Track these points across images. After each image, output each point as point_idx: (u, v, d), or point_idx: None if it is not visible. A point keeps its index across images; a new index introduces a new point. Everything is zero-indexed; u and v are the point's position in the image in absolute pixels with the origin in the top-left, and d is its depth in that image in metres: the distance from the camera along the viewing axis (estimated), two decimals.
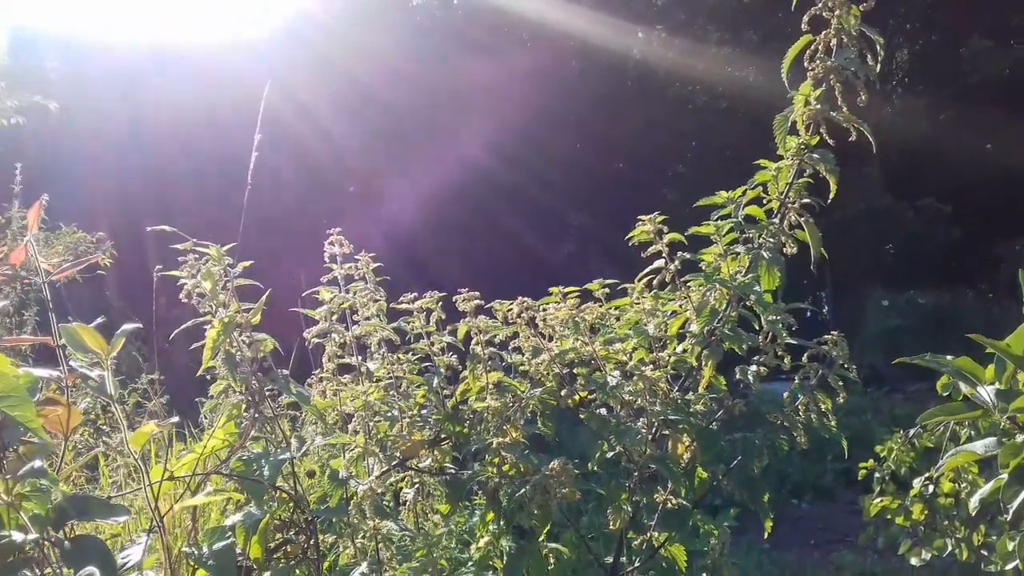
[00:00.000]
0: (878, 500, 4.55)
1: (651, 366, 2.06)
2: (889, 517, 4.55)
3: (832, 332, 2.14)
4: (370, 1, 16.38)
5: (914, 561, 4.50)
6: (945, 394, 3.14)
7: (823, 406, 2.13)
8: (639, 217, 2.31)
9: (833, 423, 2.14)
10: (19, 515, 1.34)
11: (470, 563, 2.78)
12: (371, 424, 2.00)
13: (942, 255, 17.99)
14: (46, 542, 1.44)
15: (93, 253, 8.32)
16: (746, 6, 19.97)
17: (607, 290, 2.56)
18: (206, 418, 3.21)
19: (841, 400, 2.12)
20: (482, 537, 2.54)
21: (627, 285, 2.39)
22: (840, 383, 2.12)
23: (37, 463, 1.42)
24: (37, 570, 1.40)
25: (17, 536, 1.33)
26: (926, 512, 4.37)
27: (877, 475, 4.59)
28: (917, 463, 4.55)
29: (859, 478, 4.76)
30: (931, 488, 4.40)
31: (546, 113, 17.81)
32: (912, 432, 4.63)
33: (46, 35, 18.30)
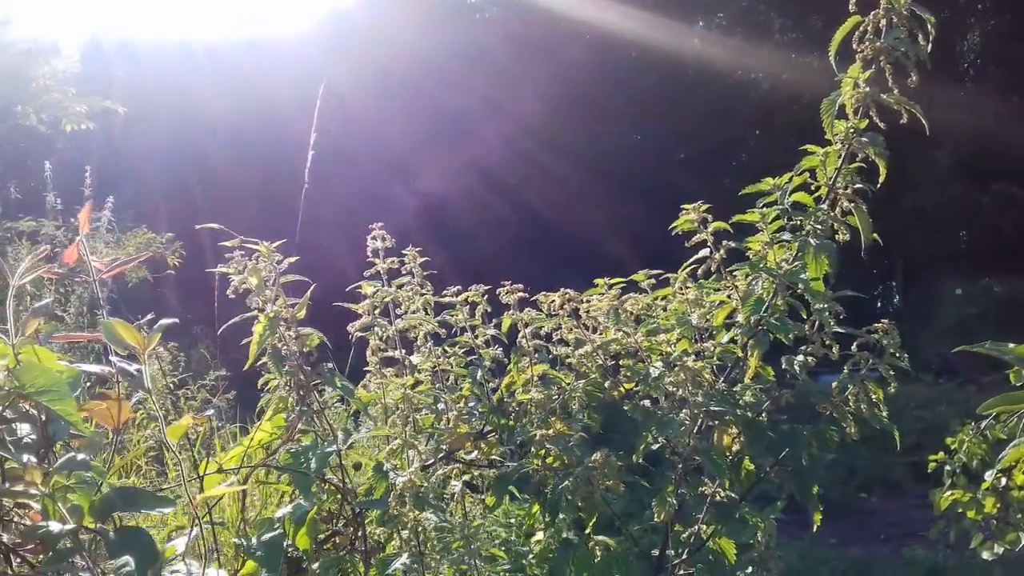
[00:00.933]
0: (949, 493, 4.42)
1: (694, 357, 2.03)
2: (960, 511, 4.42)
3: (882, 320, 2.07)
4: (432, 7, 16.45)
5: (986, 555, 4.38)
6: (1019, 384, 3.03)
7: (874, 396, 2.07)
8: (683, 206, 2.27)
9: (885, 414, 2.08)
10: (58, 506, 1.38)
11: (531, 555, 2.78)
12: (411, 416, 2.00)
13: (1018, 241, 17.36)
14: (89, 534, 1.48)
15: (162, 253, 8.54)
16: None
17: (653, 280, 2.53)
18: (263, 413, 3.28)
19: (892, 390, 2.05)
20: (540, 530, 2.53)
21: (671, 275, 2.35)
22: (891, 372, 2.05)
23: (80, 456, 1.46)
24: (82, 560, 1.44)
25: (55, 527, 1.36)
26: (998, 505, 4.25)
27: (948, 468, 4.46)
28: (989, 455, 4.42)
29: (929, 471, 4.64)
30: (1004, 481, 4.27)
31: (603, 106, 17.69)
32: (984, 424, 4.49)
33: (113, 41, 18.84)
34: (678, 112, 17.49)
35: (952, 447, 4.56)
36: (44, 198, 8.40)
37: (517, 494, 2.69)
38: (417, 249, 2.61)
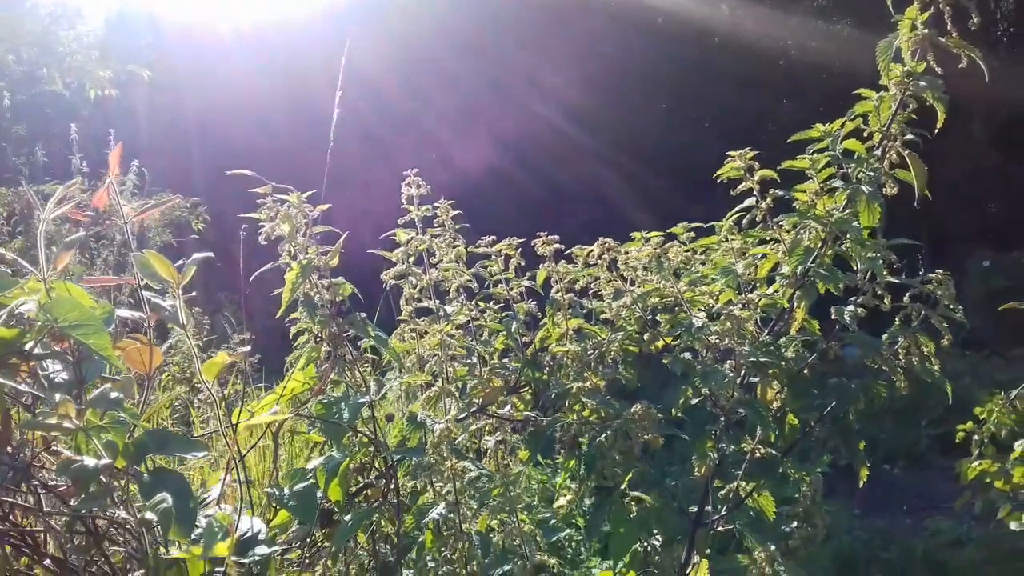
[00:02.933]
0: (976, 464, 4.37)
1: (740, 306, 1.96)
2: (988, 481, 4.38)
3: (936, 271, 1.99)
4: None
5: (1014, 526, 4.33)
6: None
7: (926, 349, 2.00)
8: (728, 153, 2.19)
9: (936, 367, 2.00)
10: (94, 442, 1.34)
11: (552, 520, 2.74)
12: (448, 365, 1.95)
13: None
14: (122, 476, 1.44)
15: (187, 217, 8.53)
16: None
17: (692, 234, 2.46)
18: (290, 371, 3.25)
19: (945, 342, 1.97)
20: (563, 495, 2.49)
21: (714, 223, 2.27)
22: (945, 325, 1.97)
23: (113, 393, 1.42)
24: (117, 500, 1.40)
25: (90, 462, 1.32)
26: None
27: (976, 438, 4.41)
28: (1019, 426, 4.37)
29: (957, 441, 4.58)
30: None
31: (631, 77, 17.46)
32: (1014, 394, 4.43)
33: (140, 15, 18.82)
34: (707, 82, 17.23)
35: (981, 417, 4.50)
36: (70, 162, 8.40)
37: (543, 459, 2.65)
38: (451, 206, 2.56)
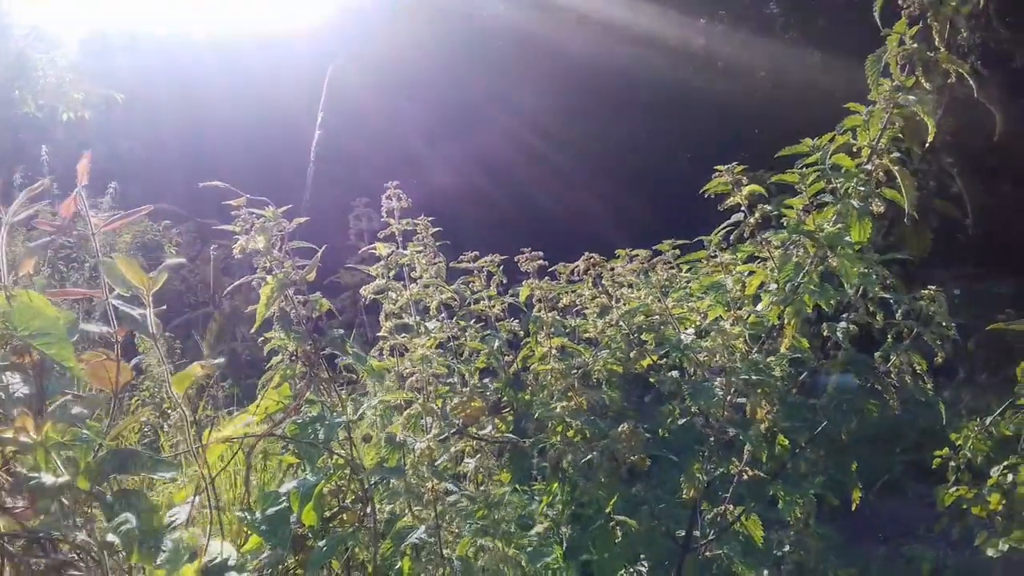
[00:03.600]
0: (953, 490, 4.34)
1: (729, 323, 1.91)
2: (965, 507, 4.36)
3: (928, 287, 1.95)
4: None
5: (991, 553, 4.29)
6: None
7: (918, 367, 1.95)
8: (715, 168, 2.15)
9: (930, 386, 1.96)
10: (52, 458, 1.25)
11: (529, 548, 2.67)
12: (429, 383, 1.87)
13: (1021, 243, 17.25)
14: (85, 496, 1.36)
15: (160, 242, 8.40)
16: None
17: (677, 251, 2.41)
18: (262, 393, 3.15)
19: (939, 360, 1.93)
20: (541, 523, 2.42)
21: (702, 238, 2.23)
22: (939, 342, 1.93)
23: (76, 408, 1.33)
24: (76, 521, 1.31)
25: (48, 479, 1.24)
26: (1004, 502, 4.19)
27: (952, 464, 4.38)
28: (995, 452, 4.36)
29: (933, 467, 4.56)
30: (1010, 477, 4.21)
31: (607, 102, 17.56)
32: (989, 420, 4.42)
33: (120, 34, 18.70)
34: (682, 109, 17.36)
35: (957, 443, 4.48)
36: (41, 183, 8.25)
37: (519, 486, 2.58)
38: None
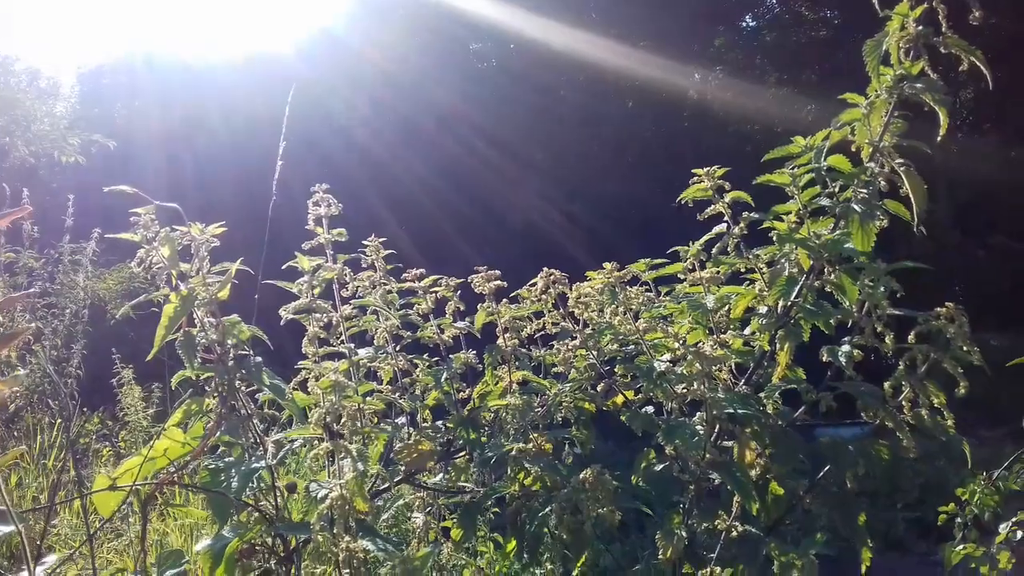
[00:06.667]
0: (960, 547, 4.10)
1: (710, 346, 1.59)
2: (973, 566, 4.10)
3: (946, 304, 1.65)
4: (428, 46, 16.25)
5: None
6: None
7: (935, 400, 1.64)
8: (693, 171, 1.86)
9: (950, 423, 1.64)
10: None
11: None
12: (346, 415, 1.55)
13: (1016, 295, 17.09)
14: None
15: (146, 290, 8.11)
16: (804, 47, 19.52)
17: (656, 272, 2.11)
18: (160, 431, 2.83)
19: (961, 391, 1.62)
20: None
21: (679, 248, 1.92)
22: (959, 370, 1.62)
23: None
24: None
25: None
26: (1013, 560, 3.92)
27: (959, 520, 4.14)
28: (1002, 508, 4.11)
29: (939, 523, 4.31)
30: (1019, 534, 3.97)
31: (601, 152, 17.48)
32: (996, 474, 4.18)
33: (112, 72, 18.71)
34: (674, 159, 17.28)
35: (963, 498, 4.23)
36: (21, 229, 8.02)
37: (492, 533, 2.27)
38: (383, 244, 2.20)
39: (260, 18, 18.38)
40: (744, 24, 21.05)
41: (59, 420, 4.16)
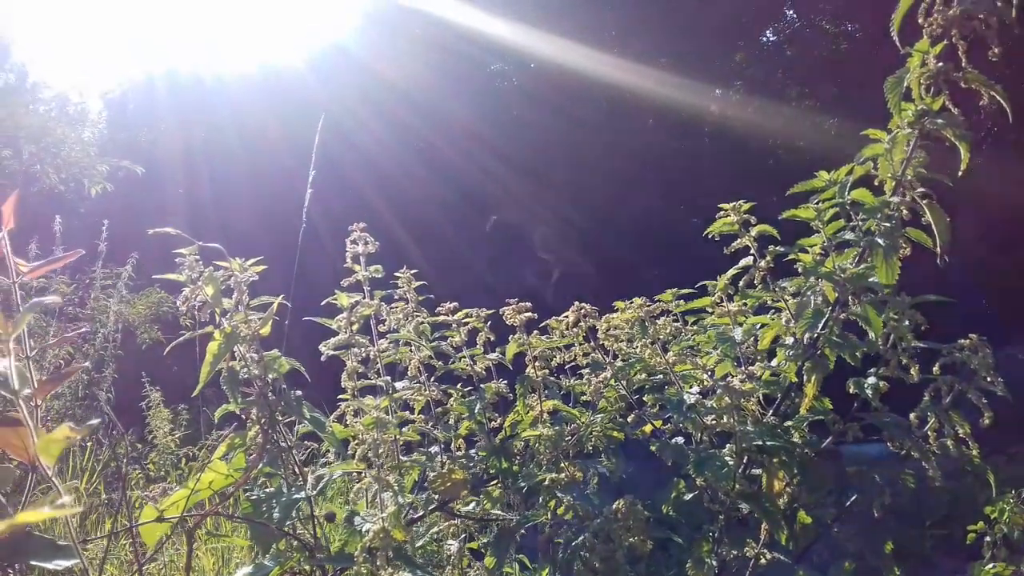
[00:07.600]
0: (990, 566, 4.07)
1: (740, 379, 1.64)
2: None
3: (969, 336, 1.69)
4: (448, 67, 16.38)
5: None
6: None
7: (960, 430, 1.67)
8: (719, 205, 1.91)
9: (976, 452, 1.68)
10: None
11: None
12: (387, 449, 1.60)
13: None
14: None
15: (176, 313, 8.19)
16: (825, 60, 19.50)
17: (682, 301, 2.16)
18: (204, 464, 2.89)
19: (986, 421, 1.65)
20: None
21: (708, 283, 1.97)
22: (984, 400, 1.66)
23: None
24: None
25: None
26: None
27: (988, 539, 4.11)
28: None
29: (967, 542, 4.28)
30: None
31: (622, 170, 17.51)
32: None
33: (135, 94, 18.95)
34: (695, 177, 17.28)
35: (992, 516, 4.20)
36: (52, 252, 8.14)
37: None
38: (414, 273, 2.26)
39: (272, 33, 18.61)
40: (764, 39, 21.03)
41: (91, 443, 4.24)
